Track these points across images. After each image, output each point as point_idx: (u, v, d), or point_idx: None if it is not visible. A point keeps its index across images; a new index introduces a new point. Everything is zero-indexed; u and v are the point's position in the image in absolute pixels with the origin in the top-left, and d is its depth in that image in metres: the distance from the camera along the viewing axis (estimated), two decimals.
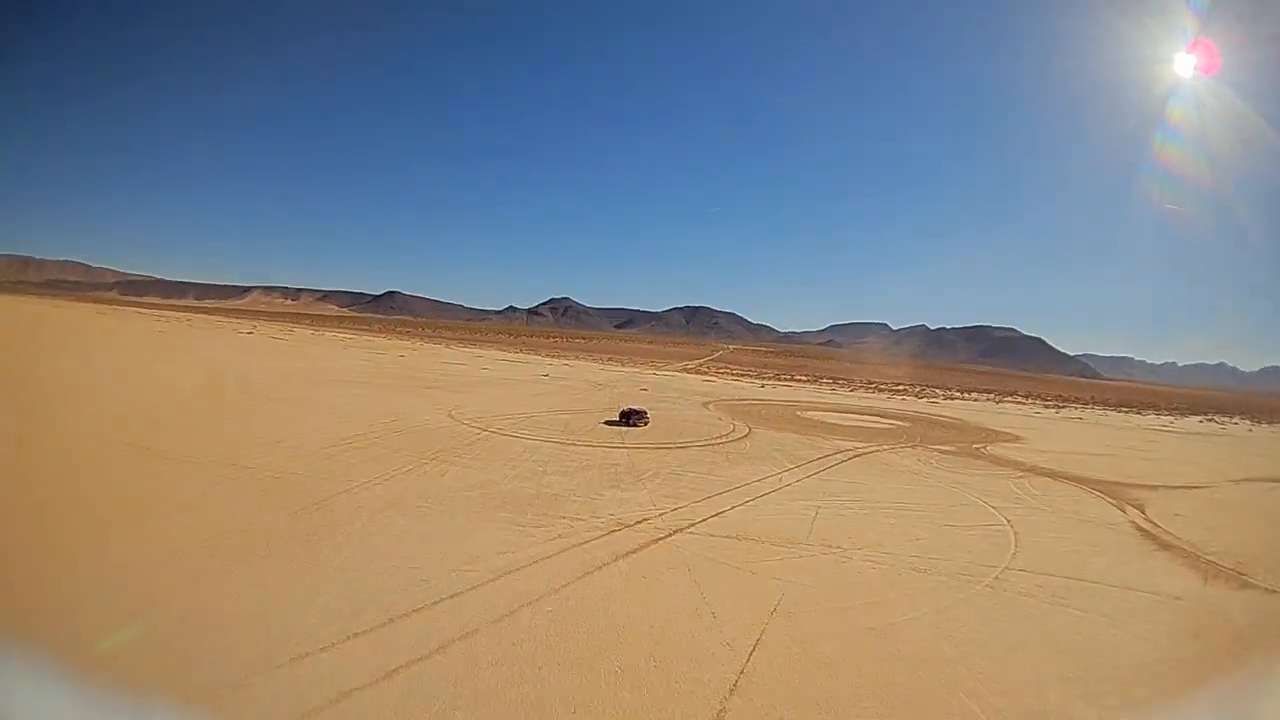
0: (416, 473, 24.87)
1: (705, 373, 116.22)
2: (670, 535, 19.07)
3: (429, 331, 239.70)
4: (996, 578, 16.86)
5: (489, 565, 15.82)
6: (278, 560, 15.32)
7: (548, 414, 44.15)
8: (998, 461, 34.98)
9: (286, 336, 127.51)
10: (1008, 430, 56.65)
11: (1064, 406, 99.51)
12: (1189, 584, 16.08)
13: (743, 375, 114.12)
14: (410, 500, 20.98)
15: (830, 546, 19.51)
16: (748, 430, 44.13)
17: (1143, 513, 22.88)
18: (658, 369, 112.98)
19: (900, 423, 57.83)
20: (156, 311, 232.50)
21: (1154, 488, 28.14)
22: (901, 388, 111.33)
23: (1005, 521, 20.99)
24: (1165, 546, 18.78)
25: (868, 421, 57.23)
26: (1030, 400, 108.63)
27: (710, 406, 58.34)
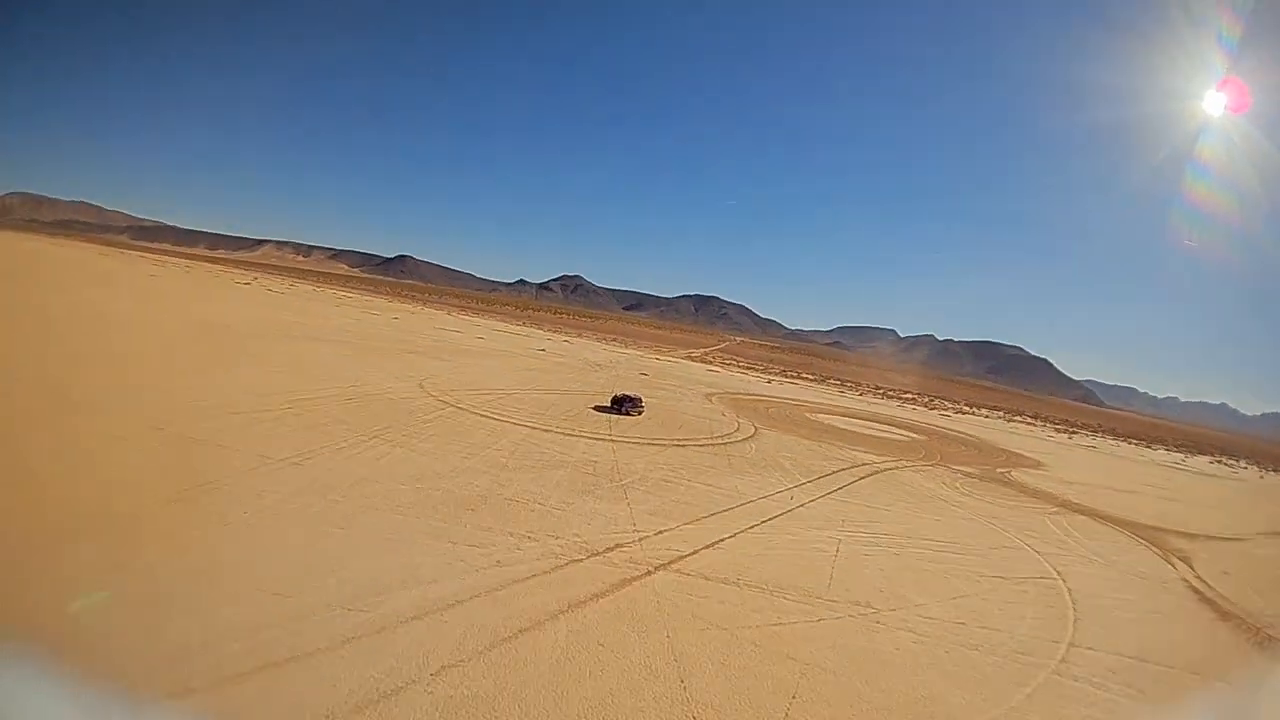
0: (349, 452, 20.21)
1: (710, 362, 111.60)
2: (649, 573, 14.33)
3: (435, 298, 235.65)
4: (1063, 659, 13.06)
5: (383, 606, 11.10)
6: (97, 569, 10.73)
7: (532, 392, 39.46)
8: (1025, 491, 32.81)
9: (284, 290, 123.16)
10: (1026, 454, 54.38)
11: (1074, 432, 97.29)
12: (1261, 668, 14.21)
13: (749, 368, 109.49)
14: (322, 491, 16.30)
15: (858, 603, 14.83)
16: (753, 430, 39.45)
17: (1191, 568, 21.45)
18: (662, 354, 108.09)
19: (915, 435, 54.54)
20: (161, 257, 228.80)
21: (1192, 536, 26.82)
22: (910, 397, 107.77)
23: (1054, 573, 18.44)
24: (1224, 616, 17.06)
25: (881, 431, 53.77)
26: (1040, 422, 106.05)
27: (714, 399, 53.66)
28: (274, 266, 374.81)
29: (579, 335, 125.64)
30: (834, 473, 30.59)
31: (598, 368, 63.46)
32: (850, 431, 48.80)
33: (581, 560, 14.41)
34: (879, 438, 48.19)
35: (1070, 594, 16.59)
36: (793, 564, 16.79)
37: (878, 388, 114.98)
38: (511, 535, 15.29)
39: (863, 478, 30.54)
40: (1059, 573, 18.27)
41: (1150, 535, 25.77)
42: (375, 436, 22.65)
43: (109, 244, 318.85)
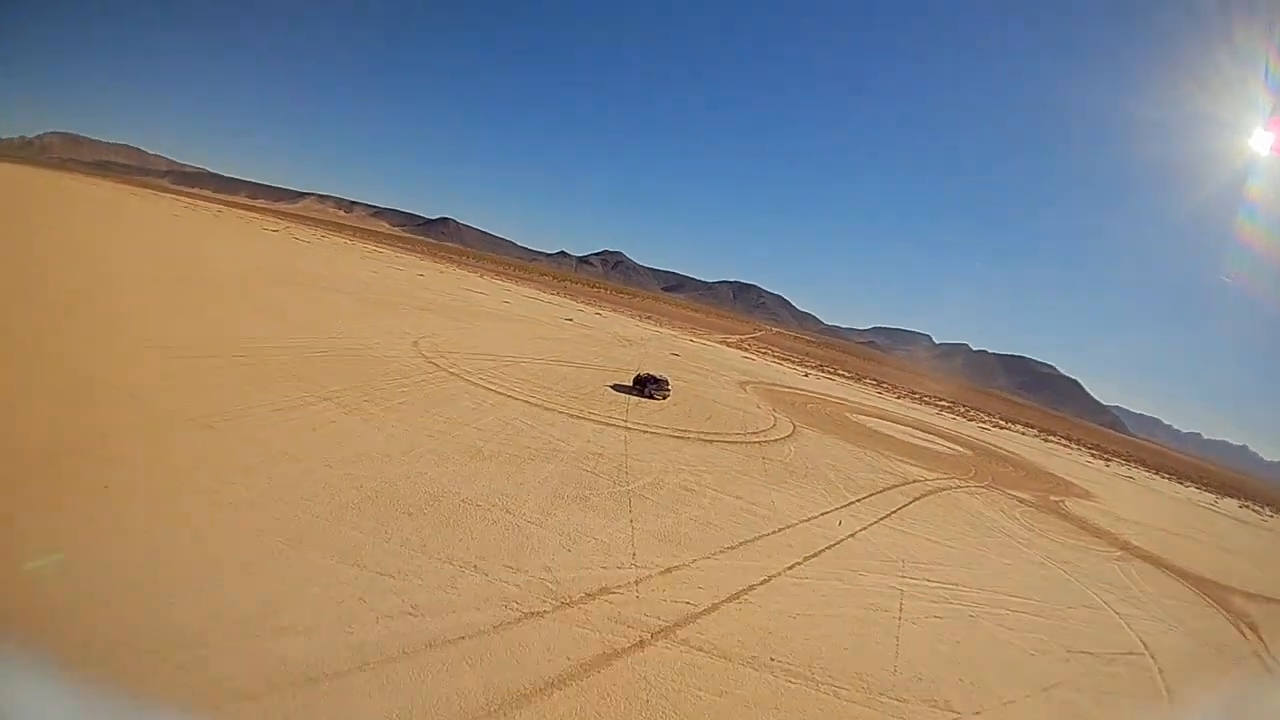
0: (284, 416, 16.01)
1: (745, 349, 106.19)
2: (640, 645, 9.68)
3: (472, 261, 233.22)
4: None
5: (187, 673, 6.66)
6: None
7: (546, 362, 35.05)
8: (1085, 527, 31.13)
9: (311, 240, 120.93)
10: (1074, 481, 51.50)
11: (1108, 459, 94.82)
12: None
13: (784, 359, 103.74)
14: (216, 469, 12.08)
15: (935, 703, 10.24)
16: (791, 428, 34.63)
17: (1260, 639, 20.03)
18: (697, 337, 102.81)
19: (961, 449, 50.21)
20: (196, 201, 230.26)
21: (1252, 596, 25.67)
22: (946, 405, 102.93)
23: (1142, 646, 16.14)
24: None
25: (926, 440, 49.31)
26: (1074, 445, 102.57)
27: (748, 389, 48.72)
28: (313, 219, 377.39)
29: (614, 310, 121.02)
30: (886, 489, 26.18)
31: (626, 343, 58.82)
32: (894, 439, 44.21)
33: (543, 614, 9.80)
34: (925, 448, 43.90)
35: (1162, 677, 14.39)
36: (846, 630, 12.09)
37: (913, 392, 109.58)
38: (451, 562, 10.77)
39: (918, 498, 26.24)
40: (1146, 646, 16.13)
41: (1215, 594, 24.68)
42: (327, 399, 18.40)
43: (146, 186, 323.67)
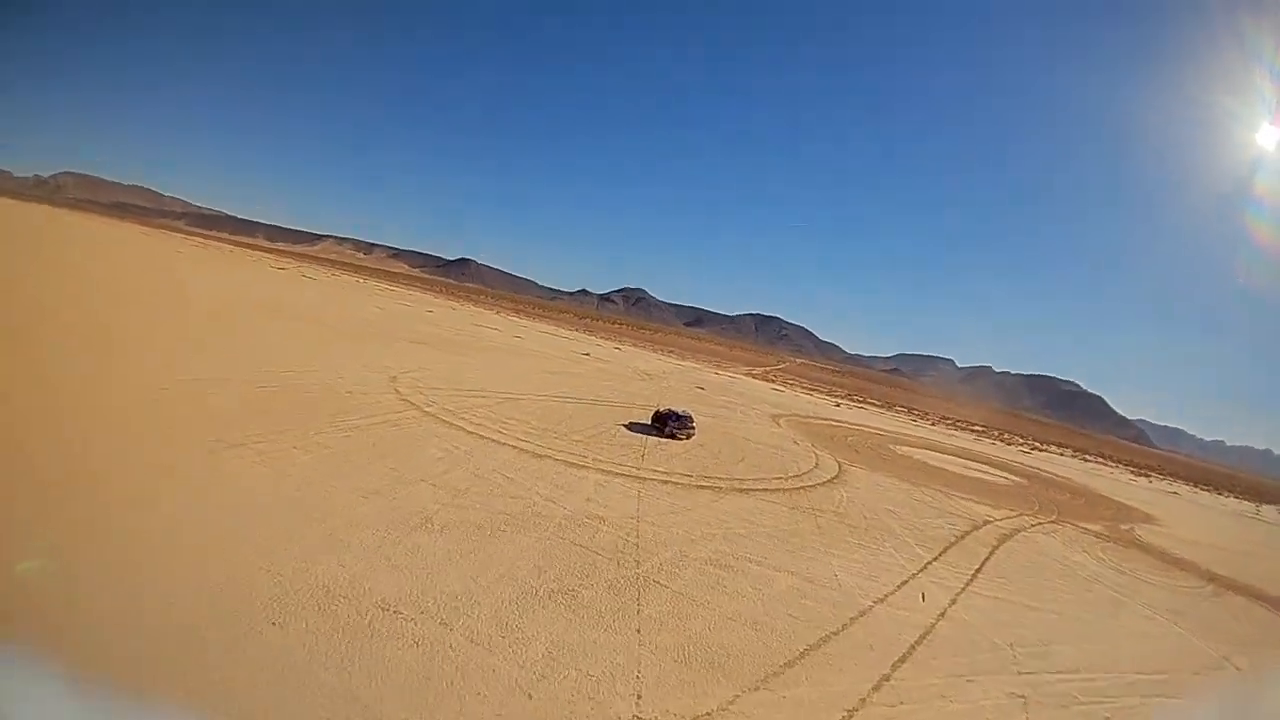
0: (167, 473, 11.74)
1: (773, 381, 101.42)
2: None
3: (490, 299, 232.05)
4: None
5: None
6: None
7: (551, 399, 30.81)
8: (1166, 558, 28.71)
9: (320, 279, 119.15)
10: (1133, 504, 48.58)
11: (1147, 475, 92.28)
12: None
13: (813, 390, 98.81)
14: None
15: None
16: (837, 467, 29.97)
17: None
18: (721, 370, 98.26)
19: (1013, 477, 46.13)
20: (210, 242, 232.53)
21: None
22: (980, 429, 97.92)
23: None
24: None
25: (977, 470, 44.91)
26: (1113, 464, 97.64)
27: (781, 422, 44.02)
28: (329, 260, 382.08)
29: (634, 345, 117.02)
30: (960, 538, 21.78)
31: (646, 377, 54.45)
32: (945, 471, 39.68)
33: None
34: (980, 480, 39.56)
35: None
36: None
37: (945, 418, 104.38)
38: None
39: (996, 546, 21.93)
40: None
41: None
42: (240, 444, 14.22)
43: (162, 227, 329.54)
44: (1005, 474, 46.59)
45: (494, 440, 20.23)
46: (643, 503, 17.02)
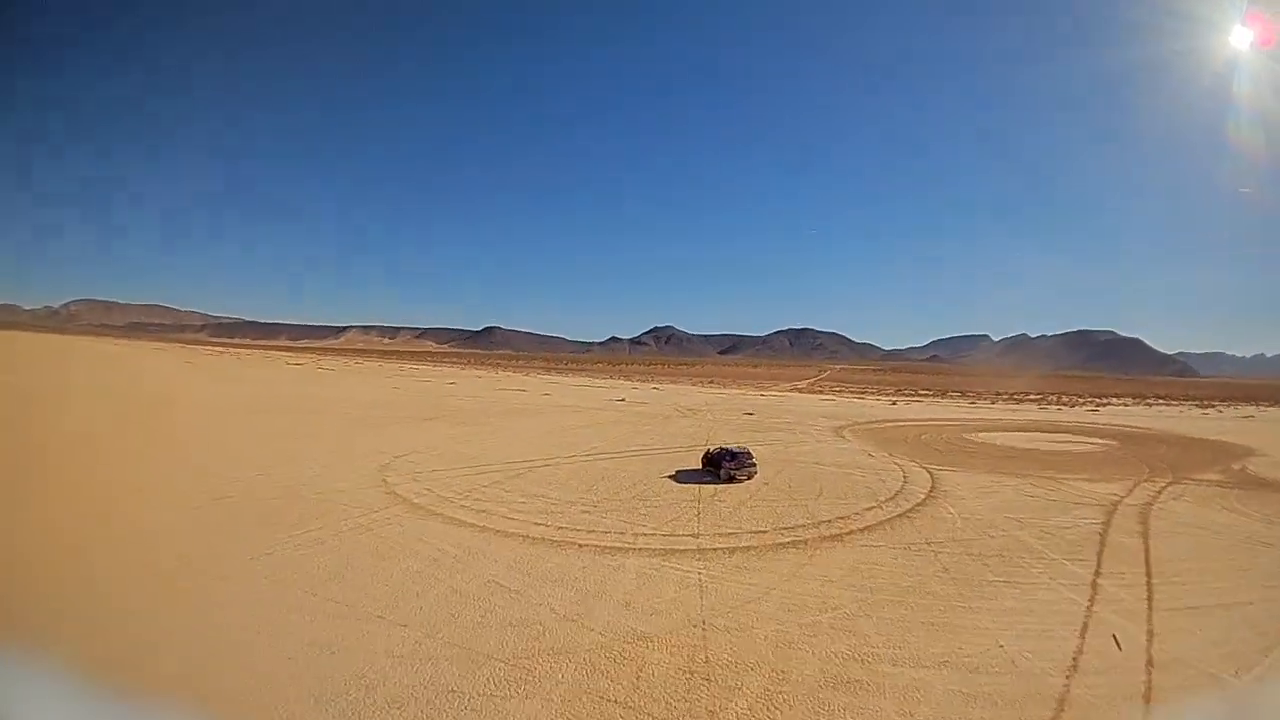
0: None
1: (820, 391, 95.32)
2: None
3: (520, 362, 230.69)
4: None
5: None
6: None
7: (580, 459, 26.42)
8: None
9: (336, 369, 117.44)
10: (1226, 439, 43.78)
11: (1214, 406, 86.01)
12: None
13: (862, 393, 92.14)
14: None
15: None
16: (928, 477, 25.51)
17: None
18: (764, 391, 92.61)
19: (1104, 441, 41.01)
20: (227, 350, 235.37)
21: None
22: (1038, 398, 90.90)
23: None
24: None
25: (1065, 442, 39.95)
26: (1176, 403, 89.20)
27: (846, 434, 38.84)
28: (356, 351, 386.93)
29: (672, 382, 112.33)
30: (1103, 534, 18.13)
31: (689, 413, 49.57)
32: (1035, 451, 34.98)
33: None
34: (1074, 453, 34.94)
35: None
36: None
37: (999, 394, 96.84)
38: None
39: (1143, 533, 18.52)
40: None
41: None
42: (157, 576, 9.81)
43: (179, 341, 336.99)
44: (1092, 439, 41.45)
45: (499, 531, 15.73)
46: (707, 593, 12.21)
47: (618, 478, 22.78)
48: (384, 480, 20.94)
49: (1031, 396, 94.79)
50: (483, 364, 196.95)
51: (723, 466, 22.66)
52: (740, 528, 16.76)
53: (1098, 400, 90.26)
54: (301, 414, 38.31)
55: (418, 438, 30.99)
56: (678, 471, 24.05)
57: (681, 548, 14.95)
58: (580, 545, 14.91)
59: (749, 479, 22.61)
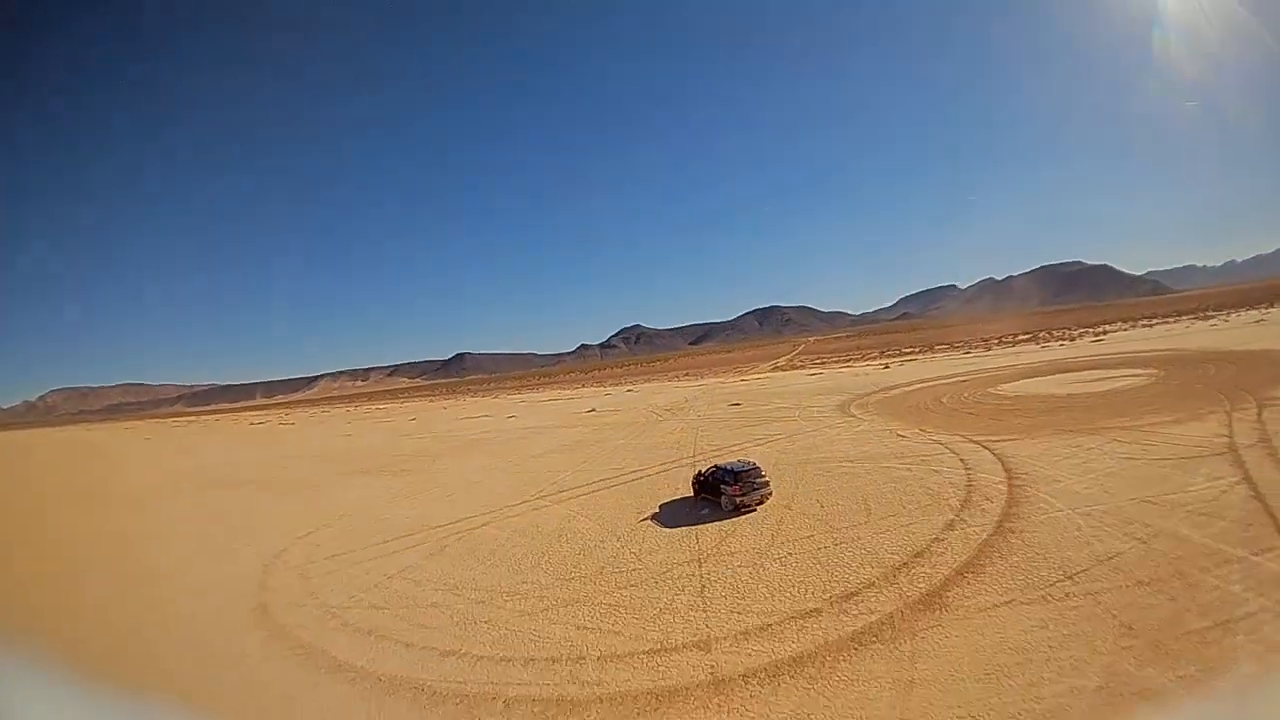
0: None
1: (802, 367, 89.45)
2: None
3: (490, 386, 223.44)
4: None
5: None
6: None
7: (534, 505, 20.03)
8: None
9: (296, 422, 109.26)
10: (1266, 348, 39.15)
11: (1219, 315, 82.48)
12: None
13: (847, 362, 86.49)
14: None
15: None
16: (993, 460, 18.98)
17: None
18: (744, 376, 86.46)
19: (1143, 370, 35.60)
20: (196, 418, 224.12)
21: None
22: (1027, 337, 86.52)
23: None
24: None
25: (1103, 379, 33.93)
26: (1176, 320, 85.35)
27: (855, 410, 33.09)
28: (328, 399, 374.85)
29: (647, 381, 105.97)
30: (1245, 493, 13.10)
31: (668, 414, 43.32)
32: (1082, 395, 29.40)
33: None
34: (1125, 390, 29.39)
35: None
36: None
37: (986, 340, 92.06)
38: None
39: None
40: None
41: None
42: None
43: (153, 418, 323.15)
44: (1128, 371, 36.11)
45: (382, 680, 9.35)
46: None
47: (579, 533, 16.30)
48: (262, 584, 14.53)
49: (1021, 337, 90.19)
50: (453, 393, 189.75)
51: (722, 490, 16.40)
52: (773, 609, 10.42)
53: (1092, 330, 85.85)
54: (226, 486, 31.75)
55: (346, 499, 24.71)
56: (662, 507, 17.70)
57: (685, 680, 8.63)
58: (507, 701, 8.58)
59: (762, 503, 16.40)
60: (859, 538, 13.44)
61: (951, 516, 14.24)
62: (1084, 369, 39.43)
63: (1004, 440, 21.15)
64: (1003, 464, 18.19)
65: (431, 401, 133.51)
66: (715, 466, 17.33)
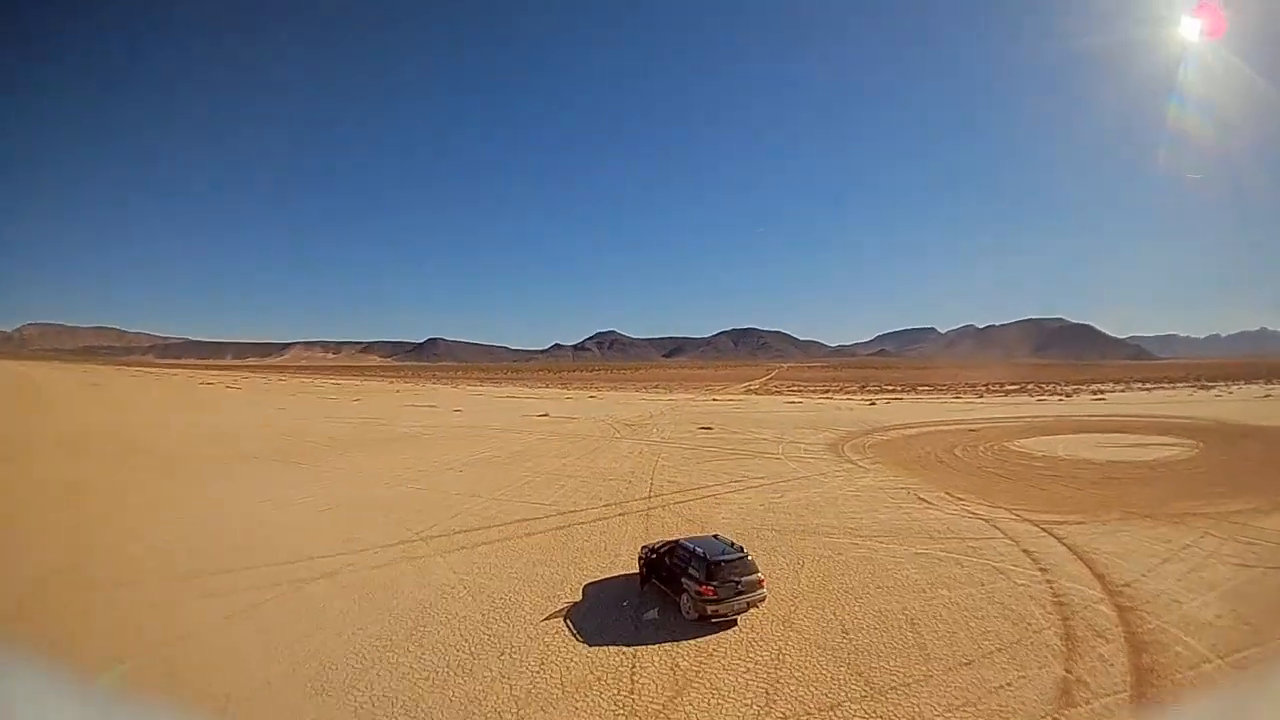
0: None
1: (778, 393, 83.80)
2: None
3: (457, 374, 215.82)
4: None
5: None
6: None
7: (414, 549, 13.72)
8: None
9: (243, 387, 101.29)
10: None
11: (1211, 387, 78.13)
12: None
13: (826, 393, 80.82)
14: None
15: None
16: (1065, 553, 13.16)
17: None
18: (716, 395, 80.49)
19: (1175, 440, 30.32)
20: (164, 370, 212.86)
21: None
22: (1014, 388, 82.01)
23: None
24: None
25: (1134, 445, 29.06)
26: (1172, 387, 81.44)
27: (849, 452, 27.43)
28: (298, 367, 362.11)
29: (614, 389, 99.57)
30: None
31: (629, 430, 37.19)
32: (1124, 465, 24.30)
33: None
34: (1174, 463, 24.19)
35: None
36: None
37: (976, 386, 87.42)
38: None
39: None
40: None
41: None
42: None
43: (125, 364, 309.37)
44: (1164, 440, 30.71)
45: None
46: None
47: (442, 631, 9.88)
48: None
49: (1009, 387, 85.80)
50: (417, 377, 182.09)
51: (686, 589, 10.12)
52: None
53: (1088, 388, 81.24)
54: (103, 457, 25.05)
55: (199, 495, 18.13)
56: (588, 591, 11.44)
57: None
58: None
59: (748, 609, 10.22)
60: (921, 714, 7.43)
61: (1061, 670, 8.40)
62: (1105, 430, 34.32)
63: (1068, 523, 15.47)
64: (1086, 565, 12.44)
65: (390, 384, 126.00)
66: (677, 543, 10.98)
